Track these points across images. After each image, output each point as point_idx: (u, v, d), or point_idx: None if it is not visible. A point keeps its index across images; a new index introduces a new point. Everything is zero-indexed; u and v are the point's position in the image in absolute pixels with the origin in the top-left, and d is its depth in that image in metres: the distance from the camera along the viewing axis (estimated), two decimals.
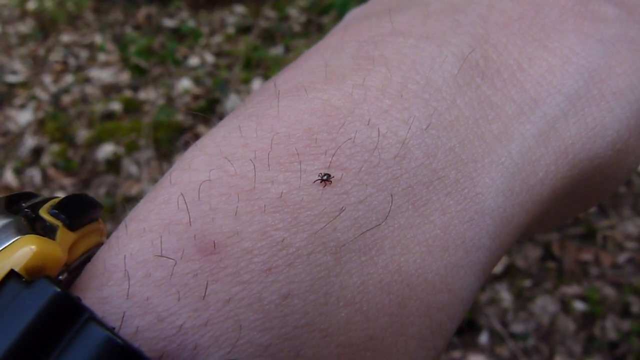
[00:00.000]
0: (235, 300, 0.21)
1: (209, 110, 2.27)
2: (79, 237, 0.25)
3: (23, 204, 0.24)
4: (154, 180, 1.96)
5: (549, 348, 1.55)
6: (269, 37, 2.66)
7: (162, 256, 0.22)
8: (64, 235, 0.23)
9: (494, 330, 1.59)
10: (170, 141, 2.16)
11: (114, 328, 0.20)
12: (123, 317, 0.21)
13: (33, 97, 2.45)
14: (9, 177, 2.12)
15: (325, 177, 0.24)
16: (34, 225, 0.23)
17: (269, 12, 2.80)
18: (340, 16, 2.38)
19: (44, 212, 0.24)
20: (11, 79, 2.56)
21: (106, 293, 0.22)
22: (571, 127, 0.28)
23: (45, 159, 2.17)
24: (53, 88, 2.50)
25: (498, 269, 1.69)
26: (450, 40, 0.29)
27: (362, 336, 0.22)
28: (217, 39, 2.70)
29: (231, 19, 2.83)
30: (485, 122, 0.27)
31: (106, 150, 2.16)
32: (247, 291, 0.21)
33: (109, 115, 2.32)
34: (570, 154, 0.28)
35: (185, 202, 0.23)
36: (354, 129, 0.25)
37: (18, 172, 2.15)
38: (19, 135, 2.29)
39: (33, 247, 0.21)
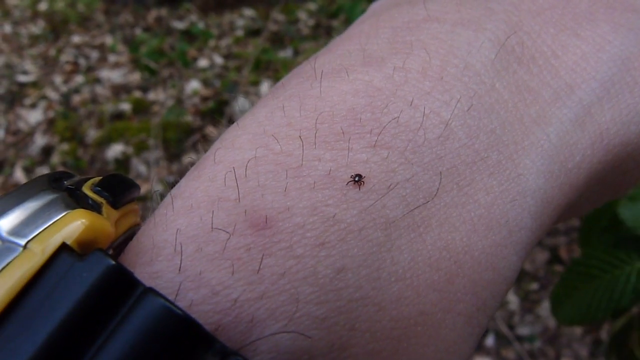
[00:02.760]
0: (290, 274, 0.21)
1: (217, 112, 2.29)
2: (121, 216, 0.25)
3: (65, 182, 0.24)
4: (162, 180, 1.97)
5: (555, 351, 1.55)
6: (278, 40, 2.68)
7: (214, 230, 0.22)
8: (108, 212, 0.24)
9: (501, 333, 1.59)
10: (179, 142, 2.17)
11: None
12: (178, 289, 0.21)
13: (43, 97, 2.47)
14: (19, 176, 2.14)
15: (357, 179, 0.24)
16: (78, 202, 0.23)
17: (278, 16, 2.81)
18: (348, 19, 2.39)
19: (87, 189, 0.24)
20: (22, 78, 2.59)
21: (157, 268, 0.22)
22: (606, 113, 0.28)
23: (55, 158, 2.19)
24: (63, 88, 2.52)
25: None
26: (485, 26, 0.29)
27: (413, 311, 0.23)
28: (227, 41, 2.72)
29: (240, 22, 2.84)
30: (524, 106, 0.28)
31: (115, 149, 2.17)
32: (302, 265, 0.22)
33: (119, 116, 2.34)
34: (605, 139, 0.28)
35: (235, 178, 0.23)
36: (397, 109, 0.26)
37: (28, 170, 2.17)
38: (30, 134, 2.31)
39: (84, 220, 0.21)
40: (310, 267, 0.22)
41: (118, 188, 0.26)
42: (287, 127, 0.25)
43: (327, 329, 0.21)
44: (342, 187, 0.23)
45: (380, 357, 0.22)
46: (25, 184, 0.23)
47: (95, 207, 0.23)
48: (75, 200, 0.23)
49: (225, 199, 0.23)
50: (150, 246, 0.23)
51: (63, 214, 0.21)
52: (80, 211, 0.21)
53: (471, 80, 0.27)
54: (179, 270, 0.21)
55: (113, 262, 0.19)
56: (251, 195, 0.23)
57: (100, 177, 0.26)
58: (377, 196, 0.23)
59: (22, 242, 0.20)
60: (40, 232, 0.20)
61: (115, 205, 0.25)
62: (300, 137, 0.25)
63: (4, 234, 0.20)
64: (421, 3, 0.31)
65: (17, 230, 0.20)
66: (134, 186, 0.27)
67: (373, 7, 0.36)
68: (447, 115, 0.26)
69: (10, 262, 0.19)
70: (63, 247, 0.20)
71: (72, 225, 0.21)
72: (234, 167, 0.24)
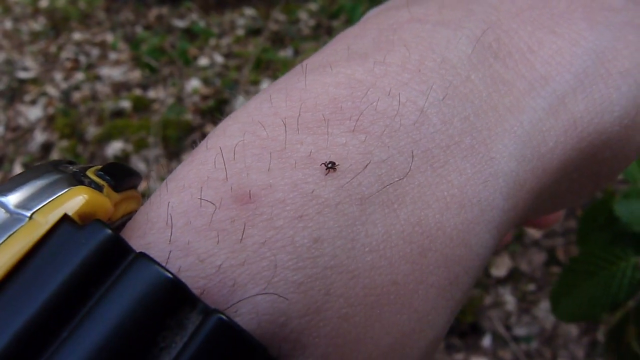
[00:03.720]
0: (269, 243, 0.23)
1: (217, 111, 2.29)
2: (121, 200, 0.26)
3: (70, 167, 0.26)
4: (162, 178, 1.97)
5: (552, 352, 1.55)
6: (279, 40, 2.69)
7: (202, 202, 0.24)
8: (109, 194, 0.25)
9: (497, 333, 1.60)
10: (179, 139, 2.18)
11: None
12: (168, 257, 0.22)
13: (44, 94, 2.47)
14: (18, 172, 2.14)
15: (330, 165, 0.25)
16: (81, 183, 0.24)
17: (279, 15, 2.82)
18: (349, 20, 2.40)
19: (90, 173, 0.26)
20: (22, 75, 2.59)
21: (149, 240, 0.23)
22: (580, 103, 0.30)
23: (55, 155, 2.19)
24: (64, 85, 2.53)
25: (502, 272, 1.70)
26: (464, 25, 0.31)
27: (386, 280, 0.24)
28: (227, 40, 2.73)
29: (241, 21, 2.85)
30: (498, 96, 0.29)
31: (115, 147, 2.18)
32: (281, 235, 0.23)
33: (119, 113, 2.34)
34: (579, 126, 0.30)
35: (223, 160, 0.25)
36: (375, 97, 0.27)
37: (27, 167, 2.17)
38: (29, 131, 2.31)
39: (85, 195, 0.23)
40: (289, 237, 0.23)
41: (119, 174, 0.28)
42: (273, 116, 0.27)
43: (303, 293, 0.23)
44: (321, 167, 0.25)
45: (354, 321, 0.23)
46: (32, 167, 0.25)
47: (97, 188, 0.25)
48: (78, 181, 0.24)
49: (213, 179, 0.25)
50: (144, 221, 0.24)
51: (66, 189, 0.23)
52: (82, 187, 0.23)
53: (447, 73, 0.29)
54: (170, 241, 0.23)
55: (110, 231, 0.21)
56: (237, 175, 0.25)
57: (103, 165, 0.28)
58: (353, 174, 0.25)
59: (28, 213, 0.22)
60: (44, 205, 0.22)
61: (116, 188, 0.26)
62: (284, 123, 0.27)
63: (12, 207, 0.22)
64: (406, 7, 0.33)
65: (24, 204, 0.22)
66: (135, 174, 0.30)
67: (366, 14, 0.39)
68: (422, 103, 0.27)
69: (17, 230, 0.21)
70: (65, 218, 0.22)
71: (75, 199, 0.23)
72: (222, 151, 0.26)
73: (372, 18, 0.35)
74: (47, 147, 2.24)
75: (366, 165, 0.25)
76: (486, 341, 1.59)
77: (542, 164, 0.29)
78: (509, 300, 1.66)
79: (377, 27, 0.32)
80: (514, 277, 1.70)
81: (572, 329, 1.58)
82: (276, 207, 0.24)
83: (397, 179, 0.26)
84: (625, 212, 0.73)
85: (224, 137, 0.27)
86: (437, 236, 0.25)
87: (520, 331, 1.60)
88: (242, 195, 0.24)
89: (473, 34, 0.30)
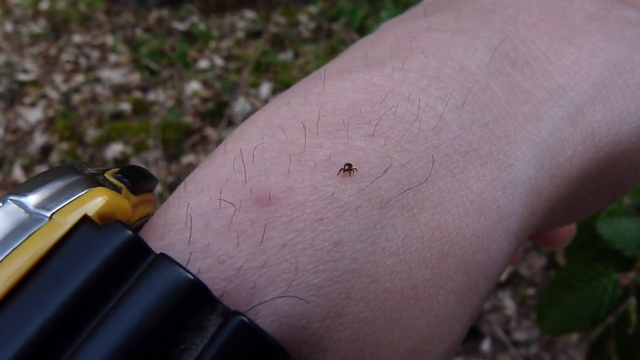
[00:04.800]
0: (290, 245, 0.23)
1: (217, 113, 2.29)
2: (138, 203, 0.26)
3: (88, 169, 0.26)
4: (162, 180, 1.98)
5: (551, 357, 1.56)
6: (279, 42, 2.69)
7: (222, 204, 0.24)
8: (128, 196, 0.25)
9: (497, 337, 1.60)
10: (179, 142, 2.18)
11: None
12: (188, 259, 0.22)
13: (43, 96, 2.47)
14: (18, 174, 2.14)
15: (347, 168, 0.25)
16: (99, 184, 0.24)
17: (279, 18, 2.83)
18: (349, 23, 2.40)
19: (109, 175, 0.26)
20: (22, 77, 2.59)
21: (168, 241, 0.23)
22: (598, 113, 0.30)
23: (54, 157, 2.19)
24: (63, 87, 2.53)
25: (502, 277, 1.70)
26: (481, 34, 0.31)
27: (406, 285, 0.24)
28: (227, 42, 2.73)
29: (241, 24, 2.86)
30: (517, 104, 0.29)
31: (115, 149, 2.18)
32: (301, 237, 0.23)
33: (119, 115, 2.34)
34: (597, 136, 0.30)
35: (243, 163, 0.25)
36: (394, 102, 0.28)
37: (27, 169, 2.17)
38: (29, 133, 2.31)
39: (105, 196, 0.23)
40: (309, 240, 0.23)
41: (137, 176, 0.28)
42: (292, 120, 0.27)
43: (324, 296, 0.23)
44: (341, 171, 0.26)
45: (374, 325, 0.23)
46: (51, 168, 0.25)
47: (115, 190, 0.25)
48: (97, 182, 0.24)
49: (233, 181, 0.25)
50: (163, 223, 0.24)
51: (86, 190, 0.23)
52: (101, 189, 0.23)
53: (466, 80, 0.29)
54: (189, 242, 0.23)
55: (130, 232, 0.21)
56: (257, 177, 0.25)
57: (120, 168, 0.28)
58: (373, 178, 0.25)
59: (48, 214, 0.22)
60: (64, 206, 0.22)
61: (133, 190, 0.26)
62: (303, 127, 0.27)
63: (32, 207, 0.22)
64: (423, 17, 0.33)
65: (44, 204, 0.22)
66: (152, 177, 0.30)
67: (381, 25, 0.39)
68: (441, 108, 0.28)
69: (37, 230, 0.21)
70: (85, 219, 0.22)
71: (94, 200, 0.23)
72: (242, 154, 0.26)
73: (389, 27, 0.35)
74: (46, 150, 2.24)
75: (386, 169, 0.26)
76: (485, 345, 1.59)
77: (560, 172, 0.29)
78: (509, 304, 1.66)
79: (394, 36, 0.33)
80: (513, 281, 1.70)
81: (572, 335, 1.58)
82: (296, 209, 0.24)
83: (417, 184, 0.26)
84: (608, 230, 0.74)
85: (242, 140, 0.27)
86: (457, 241, 0.25)
87: (519, 336, 1.60)
88: (262, 198, 0.24)
89: (491, 42, 0.31)
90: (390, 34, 0.33)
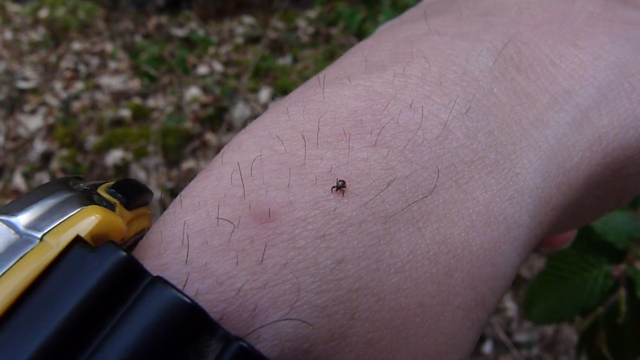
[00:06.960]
0: (291, 264, 0.22)
1: (217, 119, 2.30)
2: (133, 218, 0.26)
3: (81, 184, 0.25)
4: (162, 186, 1.98)
5: (553, 358, 1.55)
6: (278, 48, 2.70)
7: (220, 224, 0.23)
8: (122, 212, 0.24)
9: (498, 339, 1.60)
10: (179, 148, 2.18)
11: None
12: (186, 280, 0.21)
13: (43, 103, 2.48)
14: (19, 181, 2.14)
15: (340, 185, 0.24)
16: (92, 201, 0.23)
17: (278, 23, 2.83)
18: (348, 27, 2.41)
19: (102, 191, 0.25)
20: (22, 85, 2.59)
21: (164, 260, 0.22)
22: (604, 117, 0.29)
23: (55, 164, 2.19)
24: (63, 94, 2.53)
25: None
26: (483, 37, 0.30)
27: (412, 302, 0.23)
28: (226, 48, 2.73)
29: (240, 29, 2.86)
30: (522, 110, 0.28)
31: (115, 156, 2.18)
32: (303, 256, 0.22)
33: (118, 122, 2.34)
34: (604, 142, 0.29)
35: (241, 177, 0.24)
36: (397, 110, 0.26)
37: (27, 176, 2.17)
38: (29, 140, 2.31)
39: (98, 215, 0.22)
40: (312, 258, 0.22)
41: (131, 191, 0.27)
42: (291, 130, 0.26)
43: (328, 317, 0.22)
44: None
45: (380, 346, 0.22)
46: (41, 185, 0.24)
47: (109, 207, 0.24)
48: (89, 199, 0.23)
49: (231, 196, 0.24)
50: (159, 241, 0.23)
51: (78, 209, 0.22)
52: (94, 207, 0.22)
53: (469, 85, 0.28)
54: (186, 262, 0.22)
55: (124, 253, 0.20)
56: (256, 192, 0.24)
57: (114, 181, 0.27)
58: (376, 191, 0.24)
59: (39, 235, 0.21)
60: (55, 226, 0.21)
61: (128, 206, 0.26)
62: (303, 137, 0.26)
63: (22, 228, 0.21)
64: (423, 20, 0.32)
65: (34, 225, 0.21)
66: (147, 191, 0.28)
67: (379, 28, 0.38)
68: (445, 116, 0.27)
69: (27, 253, 0.20)
70: (77, 240, 0.21)
71: (87, 220, 0.22)
72: (240, 167, 0.25)
73: (387, 31, 0.33)
74: (47, 157, 2.24)
75: (390, 182, 0.24)
76: (487, 347, 1.59)
77: (567, 179, 0.28)
78: (510, 306, 1.66)
79: (393, 40, 0.31)
80: (514, 283, 1.70)
81: (573, 335, 1.58)
82: (297, 226, 0.23)
83: (421, 197, 0.25)
84: (600, 223, 0.75)
85: (239, 152, 0.26)
86: (464, 255, 0.24)
87: (521, 337, 1.60)
88: (261, 214, 0.23)
89: (494, 46, 0.30)
90: (390, 37, 0.32)
